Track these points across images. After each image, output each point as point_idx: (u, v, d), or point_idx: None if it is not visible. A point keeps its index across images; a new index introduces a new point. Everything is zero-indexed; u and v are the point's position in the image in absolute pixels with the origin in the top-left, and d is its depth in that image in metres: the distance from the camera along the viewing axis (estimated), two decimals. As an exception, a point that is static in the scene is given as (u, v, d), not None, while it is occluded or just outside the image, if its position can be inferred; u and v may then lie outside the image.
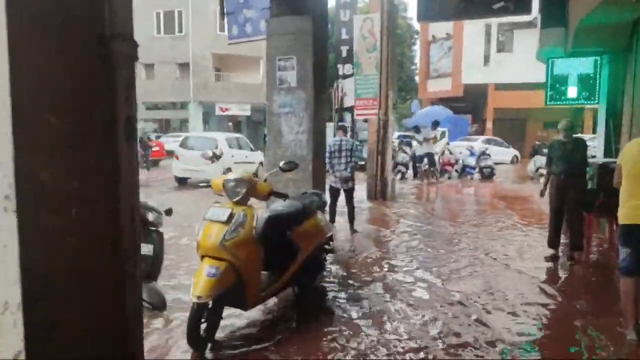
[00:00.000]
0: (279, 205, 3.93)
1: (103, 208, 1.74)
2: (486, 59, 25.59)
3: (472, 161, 15.38)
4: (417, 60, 32.31)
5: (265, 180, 3.65)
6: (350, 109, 14.37)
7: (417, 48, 32.27)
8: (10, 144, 1.54)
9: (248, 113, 30.08)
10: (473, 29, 24.94)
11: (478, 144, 18.55)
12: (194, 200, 10.05)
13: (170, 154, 18.50)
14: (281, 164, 3.94)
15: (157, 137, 22.44)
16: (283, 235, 3.76)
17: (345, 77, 15.80)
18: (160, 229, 3.74)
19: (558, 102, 8.87)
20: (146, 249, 3.49)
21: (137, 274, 2.02)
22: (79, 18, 1.72)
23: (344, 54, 15.90)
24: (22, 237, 1.56)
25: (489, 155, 15.41)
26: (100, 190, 1.73)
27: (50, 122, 1.61)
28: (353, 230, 7.02)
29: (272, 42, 5.61)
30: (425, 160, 13.84)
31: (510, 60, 24.30)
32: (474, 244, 6.50)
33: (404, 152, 15.06)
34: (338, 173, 6.84)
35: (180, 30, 29.78)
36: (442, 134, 17.09)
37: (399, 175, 14.06)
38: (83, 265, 1.70)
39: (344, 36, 15.98)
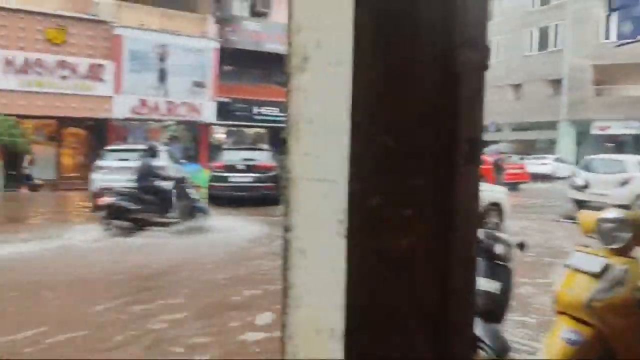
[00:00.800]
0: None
1: (433, 239, 1.55)
2: None
3: None
4: None
5: None
6: None
7: None
8: (347, 166, 1.53)
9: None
10: None
11: None
12: (566, 236, 8.73)
13: (539, 177, 17.18)
14: None
15: (520, 159, 21.51)
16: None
17: None
18: (510, 265, 3.27)
19: None
20: (490, 285, 3.11)
21: (468, 315, 1.78)
22: (427, 24, 1.56)
23: None
24: (348, 263, 1.52)
25: None
26: (431, 219, 1.55)
27: (386, 144, 1.52)
28: None
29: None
30: None
31: None
32: None
33: None
34: None
35: (555, 45, 27.74)
36: None
37: None
38: (404, 297, 1.57)
39: None
